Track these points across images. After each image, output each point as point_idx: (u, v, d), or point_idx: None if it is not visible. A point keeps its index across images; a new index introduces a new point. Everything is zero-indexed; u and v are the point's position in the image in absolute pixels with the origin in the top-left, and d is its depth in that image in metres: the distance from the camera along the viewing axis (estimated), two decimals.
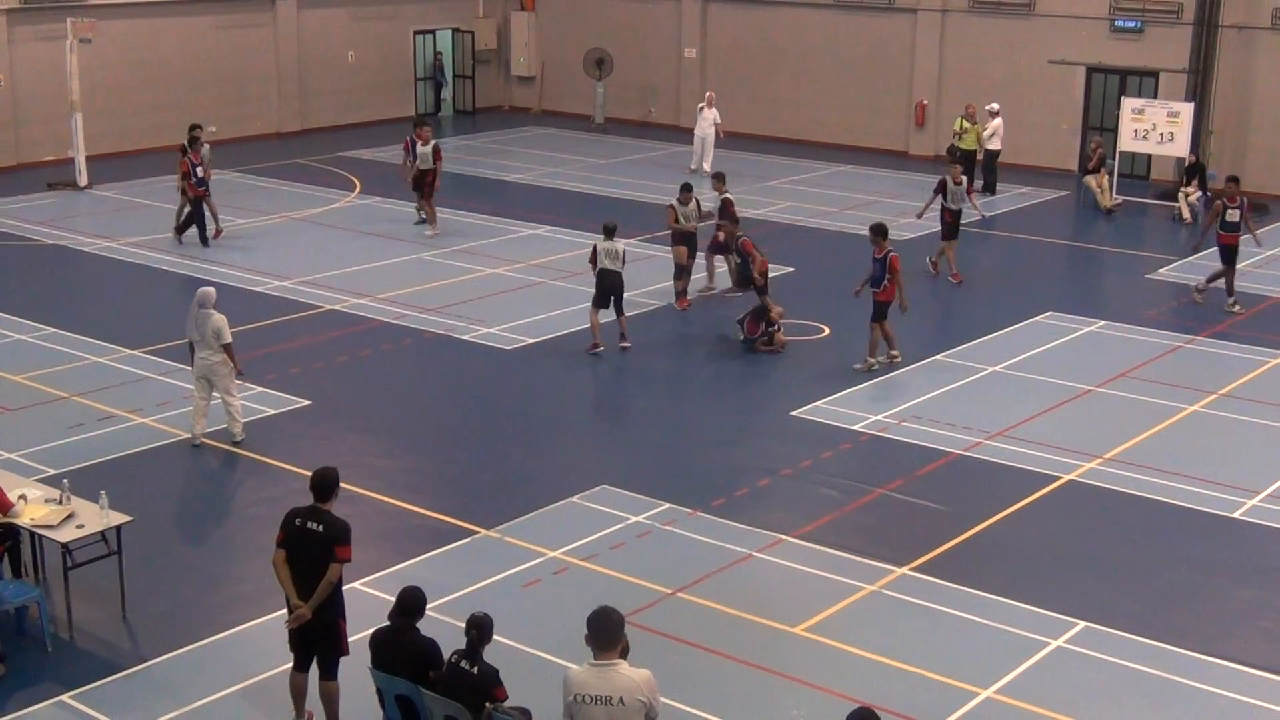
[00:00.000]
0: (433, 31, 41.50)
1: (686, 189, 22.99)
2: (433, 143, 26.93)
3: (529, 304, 21.89)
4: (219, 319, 16.15)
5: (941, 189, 24.46)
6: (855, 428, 17.37)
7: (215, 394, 16.53)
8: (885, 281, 19.47)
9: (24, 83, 32.56)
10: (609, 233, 20.03)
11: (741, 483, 15.79)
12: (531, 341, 20.53)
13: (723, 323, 21.42)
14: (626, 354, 20.12)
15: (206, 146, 26.40)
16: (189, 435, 16.64)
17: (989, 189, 31.36)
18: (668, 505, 15.02)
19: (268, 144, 36.39)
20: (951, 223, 24.41)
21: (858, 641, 12.28)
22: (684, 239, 22.45)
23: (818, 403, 18.19)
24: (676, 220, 22.44)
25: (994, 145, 31.25)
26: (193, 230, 25.89)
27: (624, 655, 8.52)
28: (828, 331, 21.28)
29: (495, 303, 22.11)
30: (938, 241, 24.97)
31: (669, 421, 17.88)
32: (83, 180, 30.50)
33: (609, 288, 19.93)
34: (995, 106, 31.32)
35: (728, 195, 22.64)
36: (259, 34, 37.01)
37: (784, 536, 14.32)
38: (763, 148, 36.42)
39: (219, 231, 26.16)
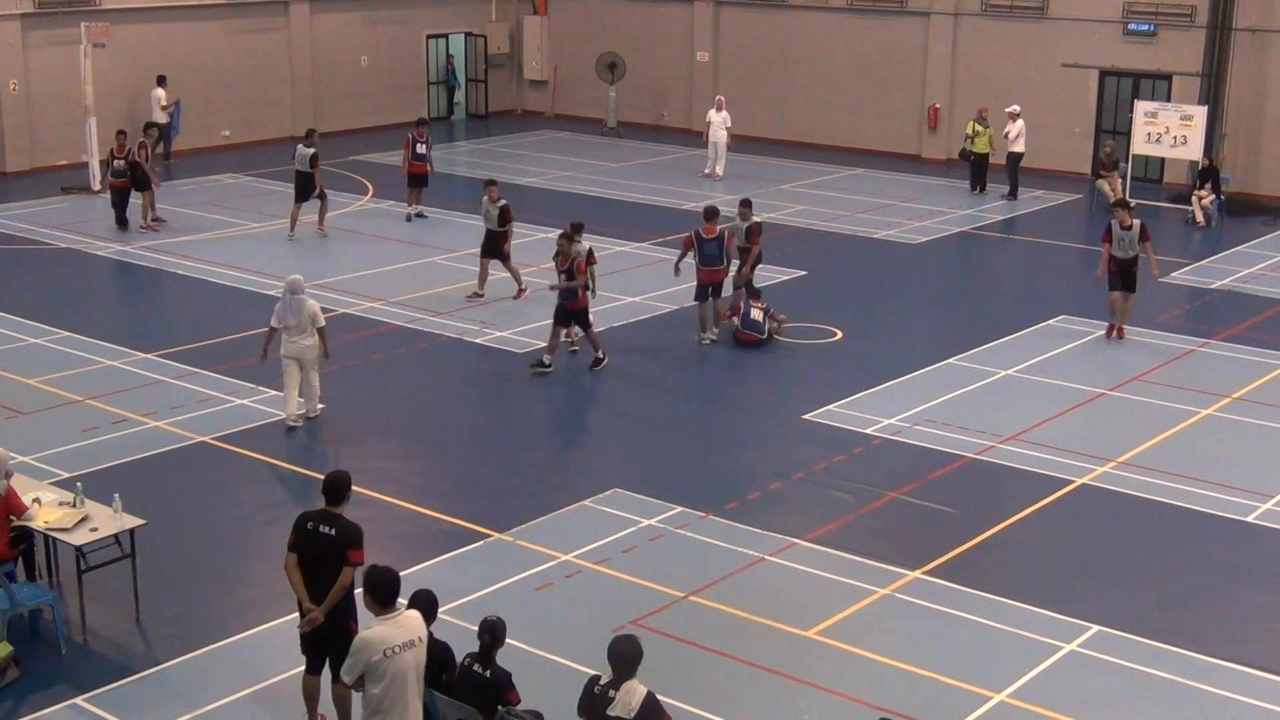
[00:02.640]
0: (445, 35, 41.55)
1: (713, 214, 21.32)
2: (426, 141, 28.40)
3: (541, 308, 21.83)
4: (313, 304, 17.01)
5: (1108, 236, 21.00)
6: (868, 431, 17.36)
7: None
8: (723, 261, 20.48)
9: (38, 87, 32.66)
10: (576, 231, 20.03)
11: (754, 486, 15.78)
12: (544, 345, 20.49)
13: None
14: (638, 356, 20.12)
15: (140, 143, 27.26)
16: (284, 417, 17.32)
17: (1012, 192, 31.26)
18: (680, 509, 15.02)
19: (280, 148, 36.36)
20: (1118, 271, 20.90)
21: (870, 645, 12.27)
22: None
23: (830, 406, 18.17)
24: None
25: (1017, 148, 31.16)
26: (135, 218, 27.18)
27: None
28: (840, 335, 21.26)
29: (508, 307, 22.12)
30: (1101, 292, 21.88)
31: (681, 425, 17.88)
32: (96, 184, 30.57)
33: None
34: (1016, 109, 31.24)
35: (755, 221, 21.75)
36: (272, 38, 37.10)
37: (796, 540, 14.31)
38: (775, 151, 36.42)
39: (158, 220, 27.43)
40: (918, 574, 13.61)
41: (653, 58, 40.03)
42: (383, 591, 9.18)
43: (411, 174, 28.34)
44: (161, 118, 33.37)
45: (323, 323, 17.07)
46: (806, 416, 17.85)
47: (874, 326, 21.85)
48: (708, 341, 20.52)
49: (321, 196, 26.94)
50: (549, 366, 19.24)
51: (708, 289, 20.48)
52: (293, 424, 17.25)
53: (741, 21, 38.76)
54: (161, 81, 33.94)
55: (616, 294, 23.07)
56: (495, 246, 22.55)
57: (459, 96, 42.42)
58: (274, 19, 37.09)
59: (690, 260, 20.64)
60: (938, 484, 15.83)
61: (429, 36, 41.06)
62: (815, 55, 37.44)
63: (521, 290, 22.79)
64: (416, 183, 28.45)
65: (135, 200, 27.22)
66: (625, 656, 8.95)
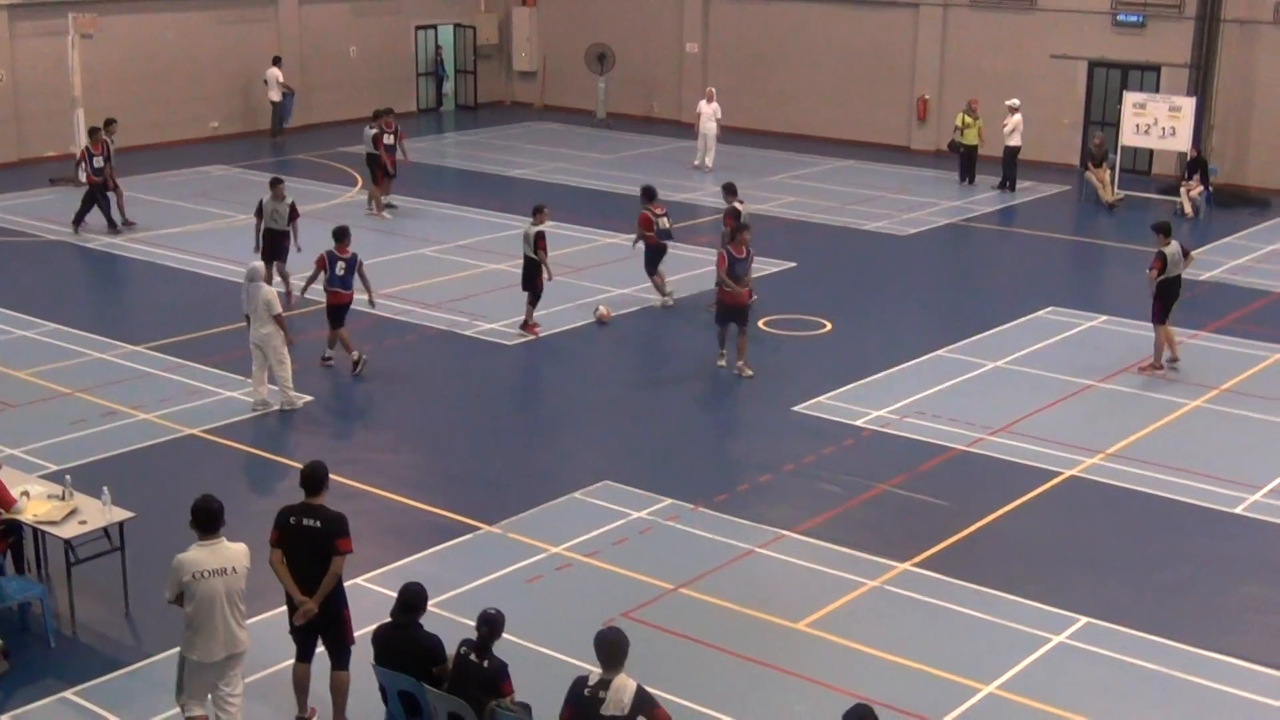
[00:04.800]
0: (434, 26, 41.47)
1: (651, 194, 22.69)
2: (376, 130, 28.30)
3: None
4: (268, 291, 17.17)
5: (1159, 263, 19.47)
6: (857, 423, 17.38)
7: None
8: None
9: (26, 78, 32.57)
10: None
11: (743, 478, 15.80)
12: (533, 337, 20.52)
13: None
14: (629, 348, 20.15)
15: (107, 140, 26.76)
16: (251, 401, 17.51)
17: (1009, 185, 31.26)
18: (670, 501, 15.03)
19: (268, 139, 36.38)
20: (1166, 297, 19.55)
21: (860, 637, 12.29)
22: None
23: (820, 398, 18.19)
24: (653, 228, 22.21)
25: (1014, 141, 31.13)
26: (98, 220, 26.63)
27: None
28: (829, 327, 21.27)
29: (497, 298, 22.09)
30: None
31: (671, 417, 17.88)
32: (84, 176, 30.46)
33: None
34: (1015, 102, 31.22)
35: (735, 205, 21.93)
36: (260, 29, 37.00)
37: (786, 532, 14.33)
38: (764, 143, 36.43)
39: (126, 222, 26.89)
40: (907, 566, 13.63)
41: (642, 49, 39.99)
42: (200, 518, 9.93)
43: (385, 166, 28.25)
44: (275, 95, 35.90)
45: (278, 310, 17.15)
46: (796, 408, 17.86)
47: (863, 318, 21.87)
48: (724, 364, 19.19)
49: (381, 178, 27.94)
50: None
51: (735, 313, 18.92)
52: (256, 409, 17.42)
53: (731, 13, 38.74)
54: (277, 62, 35.68)
55: (606, 286, 23.06)
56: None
57: (448, 88, 42.35)
58: (262, 9, 36.99)
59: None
60: (927, 476, 15.85)
61: (418, 27, 40.98)
62: (805, 46, 37.43)
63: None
64: (388, 174, 28.42)
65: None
66: (613, 648, 8.99)
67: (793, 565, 13.72)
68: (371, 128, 28.28)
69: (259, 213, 21.91)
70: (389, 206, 28.48)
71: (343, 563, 10.46)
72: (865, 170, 33.65)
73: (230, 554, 9.94)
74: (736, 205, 21.86)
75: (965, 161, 32.05)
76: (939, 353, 20.10)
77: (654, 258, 22.35)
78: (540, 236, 20.35)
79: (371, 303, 19.57)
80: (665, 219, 22.40)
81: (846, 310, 22.06)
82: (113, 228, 26.44)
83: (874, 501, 15.24)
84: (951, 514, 14.86)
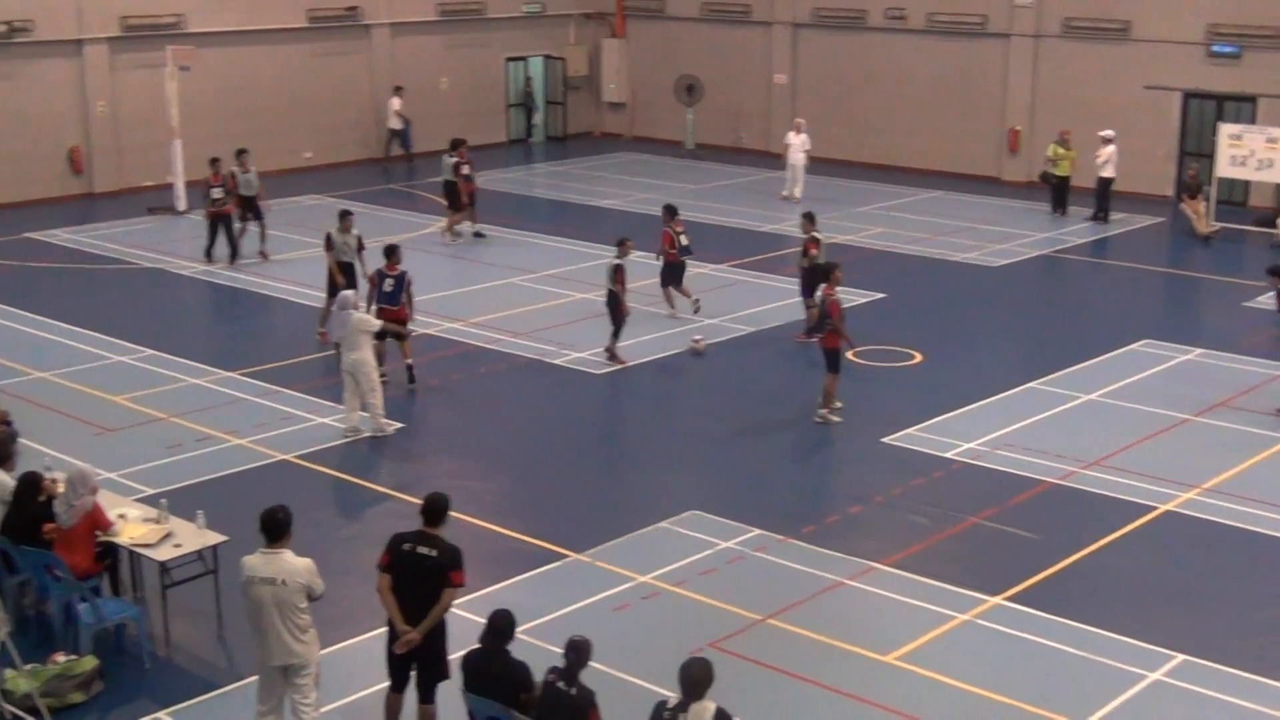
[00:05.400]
0: (524, 58, 41.79)
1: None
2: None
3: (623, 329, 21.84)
4: (358, 317, 17.45)
5: None
6: (947, 455, 17.23)
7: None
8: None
9: (125, 109, 33.21)
10: None
11: (833, 509, 15.71)
12: (621, 366, 20.56)
13: (815, 350, 21.36)
14: (718, 378, 20.14)
15: (233, 171, 26.89)
16: (343, 427, 17.73)
17: (1102, 216, 30.92)
18: (758, 531, 14.98)
19: (361, 170, 36.80)
20: None
21: (950, 671, 12.16)
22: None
23: (909, 429, 18.06)
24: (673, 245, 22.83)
25: (1107, 173, 30.79)
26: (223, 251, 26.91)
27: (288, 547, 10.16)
28: (919, 358, 21.13)
29: (586, 327, 22.15)
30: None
31: (759, 447, 17.82)
32: (181, 205, 31.01)
33: None
34: (1109, 134, 30.89)
35: (815, 235, 22.02)
36: (353, 61, 37.49)
37: (875, 564, 14.22)
38: (853, 173, 36.30)
39: (259, 253, 27.04)
40: (998, 600, 13.48)
41: (731, 80, 40.04)
42: (264, 526, 10.25)
43: (462, 194, 28.72)
44: (396, 123, 37.12)
45: (375, 327, 17.75)
46: (885, 440, 17.74)
47: (954, 349, 21.70)
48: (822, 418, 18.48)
49: (460, 206, 28.50)
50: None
51: (825, 356, 18.40)
52: (348, 435, 17.60)
53: (820, 43, 38.71)
54: (398, 91, 37.13)
55: (693, 316, 23.06)
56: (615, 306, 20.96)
57: (538, 119, 42.62)
58: (356, 41, 37.49)
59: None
60: (1018, 509, 15.68)
61: (508, 59, 41.31)
62: (894, 77, 37.31)
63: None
64: (471, 202, 28.86)
65: (238, 228, 27.09)
66: (696, 679, 9.03)
67: (882, 598, 13.61)
68: (451, 156, 28.79)
69: (328, 245, 21.77)
70: (478, 235, 28.78)
71: (454, 595, 10.49)
72: (955, 201, 33.42)
73: (285, 567, 10.16)
74: (816, 235, 21.85)
75: (1057, 193, 31.75)
76: (1031, 385, 19.89)
77: (673, 273, 22.95)
78: (619, 270, 20.43)
79: (411, 320, 19.78)
80: (684, 236, 23.11)
81: (937, 341, 21.91)
82: (229, 257, 26.65)
83: (964, 534, 15.10)
84: (1043, 548, 14.67)
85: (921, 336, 22.07)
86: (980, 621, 13.10)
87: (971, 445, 17.53)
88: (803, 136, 32.82)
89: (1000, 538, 14.99)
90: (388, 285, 19.40)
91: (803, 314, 22.05)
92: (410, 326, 19.67)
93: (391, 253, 19.66)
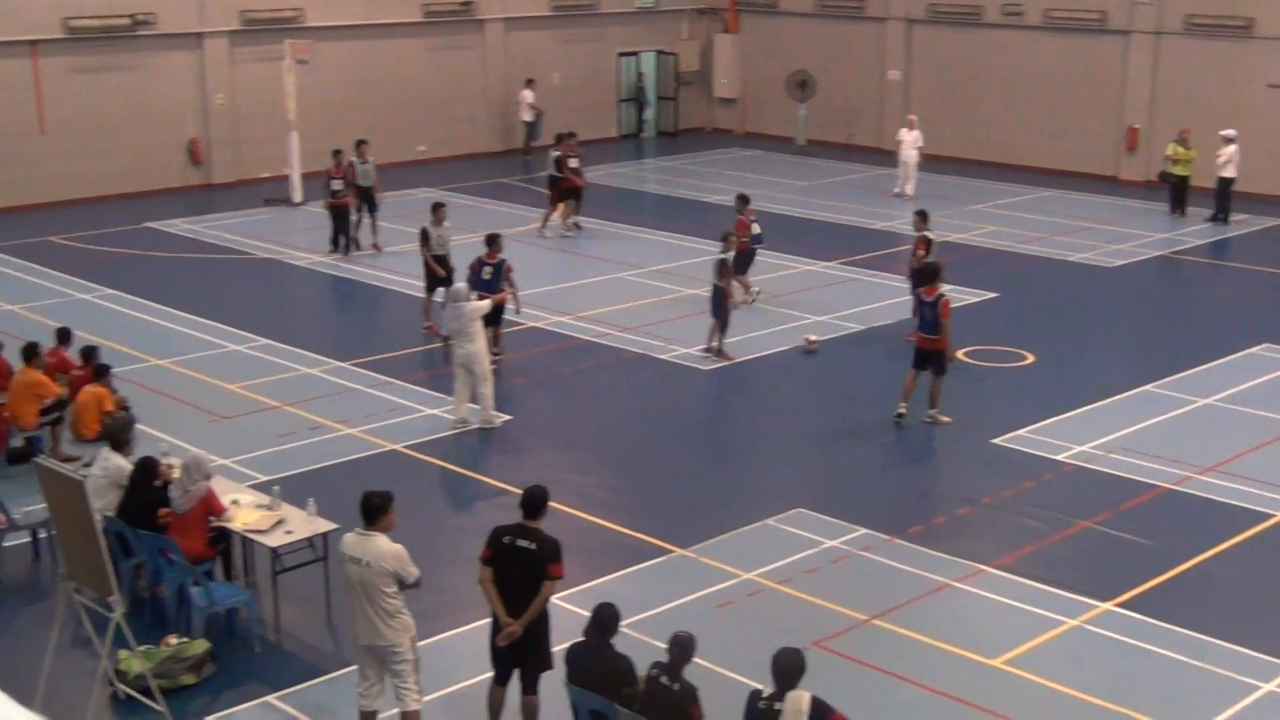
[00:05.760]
0: (636, 53, 41.86)
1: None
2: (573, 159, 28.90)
3: (730, 325, 21.77)
4: (470, 306, 17.49)
5: None
6: (1059, 457, 16.99)
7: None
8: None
9: (244, 102, 33.75)
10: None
11: (940, 510, 15.56)
12: (728, 363, 20.52)
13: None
14: (826, 375, 20.03)
15: (352, 161, 27.09)
16: (452, 419, 17.82)
17: (1222, 217, 30.31)
18: (864, 530, 14.88)
19: (473, 163, 37.08)
20: None
21: (1059, 677, 11.99)
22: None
23: (1020, 431, 17.83)
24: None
25: (1228, 173, 30.15)
26: (357, 239, 27.27)
27: (385, 531, 10.32)
28: (1031, 359, 20.85)
29: (693, 323, 22.12)
30: None
31: (867, 446, 17.71)
32: (297, 197, 31.47)
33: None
34: (1231, 133, 30.25)
35: (926, 233, 21.76)
36: (468, 56, 37.79)
37: (983, 566, 14.06)
38: (966, 171, 35.90)
39: (372, 245, 27.24)
40: (1109, 606, 13.26)
41: (843, 76, 39.80)
42: (363, 511, 10.37)
43: (568, 188, 28.84)
44: (528, 115, 37.28)
45: (486, 309, 17.86)
46: (995, 441, 17.54)
47: (1067, 351, 21.38)
48: (900, 413, 18.14)
49: (559, 200, 28.68)
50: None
51: (924, 358, 18.10)
52: (456, 427, 17.71)
53: (934, 39, 38.35)
54: (530, 84, 37.37)
55: (803, 313, 22.96)
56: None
57: (649, 114, 42.67)
58: (470, 36, 37.78)
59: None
60: (1131, 514, 15.42)
61: (620, 54, 41.41)
62: (1009, 73, 36.85)
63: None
64: (573, 196, 28.98)
65: (353, 220, 27.40)
66: (786, 667, 9.14)
67: (989, 601, 13.46)
68: (555, 150, 28.99)
69: (424, 240, 21.91)
70: (576, 227, 28.88)
71: (553, 588, 10.53)
72: (1071, 200, 32.93)
73: (373, 549, 10.26)
74: (927, 234, 21.59)
75: (1176, 193, 31.16)
76: (1146, 388, 19.54)
77: (742, 261, 22.85)
78: (724, 264, 20.39)
79: (516, 309, 20.24)
80: (756, 224, 23.33)
81: (1050, 342, 21.60)
82: (344, 248, 26.95)
83: (1075, 538, 14.88)
84: (1156, 554, 14.42)
85: (1034, 337, 21.77)
86: (1090, 627, 12.91)
87: (1084, 448, 17.27)
88: (915, 133, 32.55)
89: (1112, 543, 14.75)
90: (486, 273, 19.75)
91: (912, 312, 21.81)
92: (510, 307, 19.89)
93: (492, 241, 19.98)
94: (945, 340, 17.91)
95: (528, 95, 37.46)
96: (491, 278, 19.68)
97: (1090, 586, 13.61)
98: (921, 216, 22.04)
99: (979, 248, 27.84)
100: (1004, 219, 30.71)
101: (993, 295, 24.26)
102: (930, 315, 17.92)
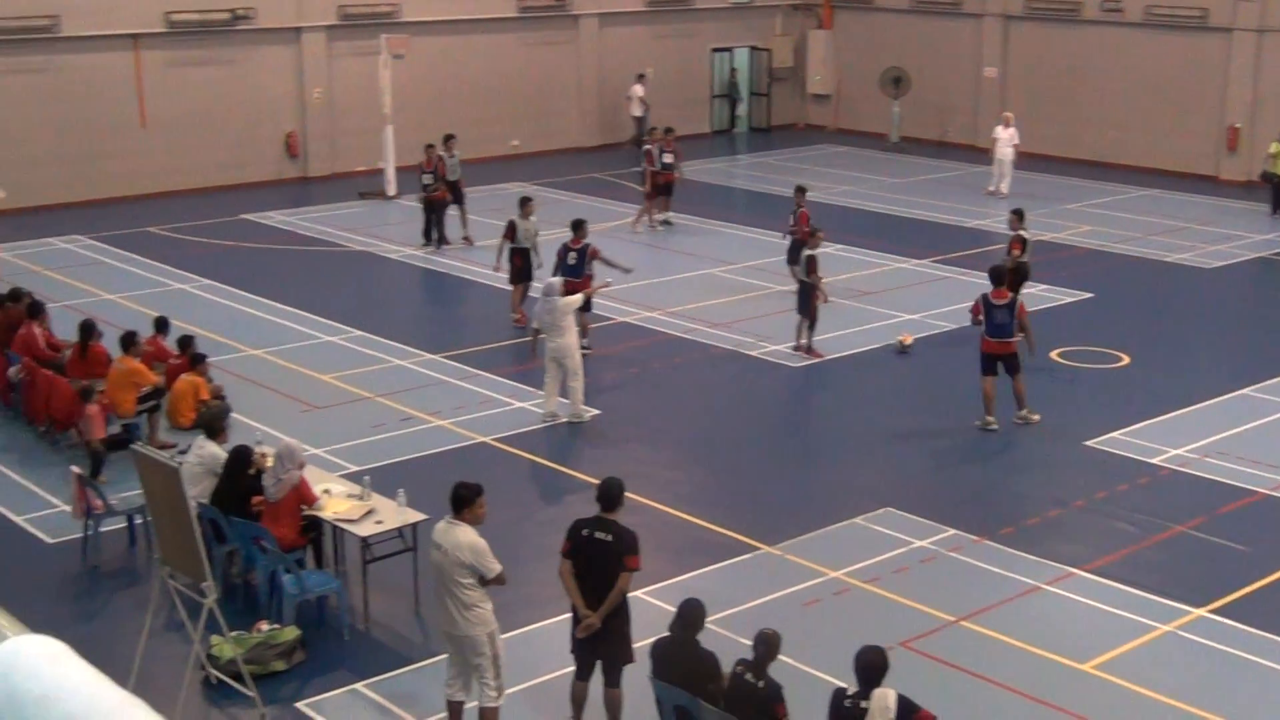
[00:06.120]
0: (730, 49, 41.78)
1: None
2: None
3: (819, 323, 21.68)
4: (563, 300, 17.56)
5: None
6: (1154, 461, 16.74)
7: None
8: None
9: (340, 96, 34.11)
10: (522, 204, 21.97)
11: (1032, 512, 15.39)
12: (818, 360, 20.44)
13: (1022, 351, 20.98)
14: (917, 374, 19.89)
15: (441, 155, 27.22)
16: (541, 412, 17.94)
17: None
18: (953, 531, 14.75)
19: (567, 158, 37.21)
20: None
21: (1150, 683, 11.82)
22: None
23: (1114, 433, 17.60)
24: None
25: None
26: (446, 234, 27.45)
27: (471, 524, 10.43)
28: (1127, 360, 20.57)
29: (784, 320, 22.04)
30: None
31: (957, 446, 17.56)
32: (391, 190, 31.74)
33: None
34: None
35: (1021, 233, 21.55)
36: (562, 51, 37.93)
37: (1075, 569, 13.89)
38: (1063, 169, 35.47)
39: (463, 238, 27.37)
40: (1203, 612, 13.06)
41: (938, 73, 39.47)
42: (451, 500, 10.48)
43: (663, 183, 28.87)
44: (638, 110, 37.62)
45: (578, 303, 17.90)
46: (1089, 443, 17.32)
47: (1163, 353, 21.08)
48: (994, 428, 17.73)
49: (652, 194, 28.77)
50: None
51: (995, 363, 17.79)
52: (545, 420, 17.79)
53: (1031, 36, 37.92)
54: (641, 78, 37.90)
55: (894, 310, 22.82)
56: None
57: (741, 110, 42.60)
58: (564, 32, 37.92)
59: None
60: (1227, 519, 15.16)
61: (714, 50, 41.36)
62: (1108, 71, 36.36)
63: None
64: (664, 191, 29.01)
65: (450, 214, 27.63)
66: (869, 665, 9.14)
67: (1081, 604, 13.29)
68: (646, 144, 29.06)
69: (509, 233, 21.98)
70: (665, 224, 28.90)
71: (630, 579, 10.55)
72: (1169, 200, 32.43)
73: (453, 538, 10.34)
74: (1023, 233, 21.32)
75: (1277, 193, 30.60)
76: (1244, 392, 19.21)
77: (797, 252, 22.86)
78: (812, 260, 20.29)
79: (624, 270, 20.86)
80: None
81: (1145, 343, 21.30)
82: (436, 242, 27.14)
83: (1169, 543, 14.66)
84: (1252, 560, 14.17)
85: (1130, 338, 21.48)
86: (1183, 633, 12.72)
87: (1179, 451, 17.02)
88: (1011, 130, 32.21)
89: (1206, 548, 14.51)
90: (571, 259, 20.12)
91: (972, 314, 21.54)
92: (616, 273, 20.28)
93: (578, 227, 20.39)
94: (1018, 341, 17.77)
95: (638, 90, 37.69)
96: (577, 263, 20.02)
97: (1183, 592, 13.41)
98: (1018, 215, 21.74)
99: (1074, 247, 27.51)
100: (1100, 218, 30.31)
101: (1088, 295, 23.96)
102: (1003, 319, 17.62)
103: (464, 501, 10.44)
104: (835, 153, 38.84)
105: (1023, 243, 21.06)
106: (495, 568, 10.40)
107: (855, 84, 41.48)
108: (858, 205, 31.72)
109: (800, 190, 24.04)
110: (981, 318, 17.75)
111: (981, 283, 23.96)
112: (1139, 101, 35.87)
